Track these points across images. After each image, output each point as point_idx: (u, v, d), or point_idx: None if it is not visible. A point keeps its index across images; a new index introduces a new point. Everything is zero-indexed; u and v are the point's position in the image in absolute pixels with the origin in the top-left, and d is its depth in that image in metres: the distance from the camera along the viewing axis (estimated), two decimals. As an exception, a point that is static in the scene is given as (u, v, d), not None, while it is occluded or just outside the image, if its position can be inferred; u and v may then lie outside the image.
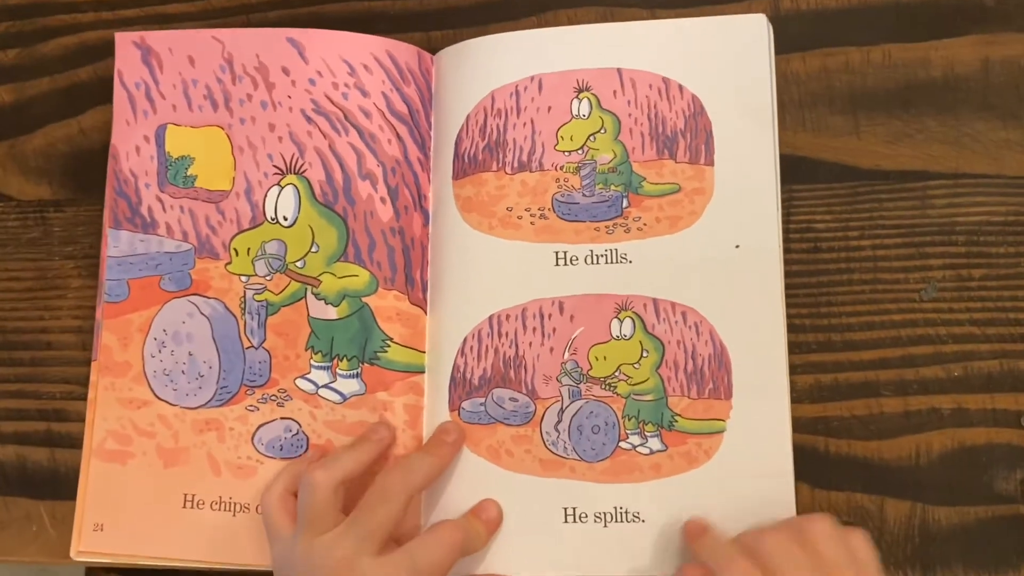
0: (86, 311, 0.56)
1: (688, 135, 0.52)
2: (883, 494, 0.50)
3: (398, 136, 0.53)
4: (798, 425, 0.50)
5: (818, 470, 0.50)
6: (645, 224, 0.51)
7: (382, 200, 0.53)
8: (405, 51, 0.54)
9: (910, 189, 0.52)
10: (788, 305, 0.50)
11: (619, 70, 0.53)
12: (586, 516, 0.49)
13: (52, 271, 0.57)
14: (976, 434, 0.50)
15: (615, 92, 0.53)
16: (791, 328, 0.51)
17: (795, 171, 0.52)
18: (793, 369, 0.50)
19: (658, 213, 0.51)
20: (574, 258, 0.51)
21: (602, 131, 0.52)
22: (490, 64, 0.54)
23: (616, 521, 0.49)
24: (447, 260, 0.53)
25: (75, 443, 0.55)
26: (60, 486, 0.55)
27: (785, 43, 0.53)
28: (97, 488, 0.53)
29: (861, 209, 0.52)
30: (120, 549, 0.53)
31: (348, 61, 0.53)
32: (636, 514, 0.49)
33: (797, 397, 0.51)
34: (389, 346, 0.52)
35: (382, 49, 0.54)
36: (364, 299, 0.52)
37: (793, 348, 0.51)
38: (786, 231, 0.52)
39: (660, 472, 0.49)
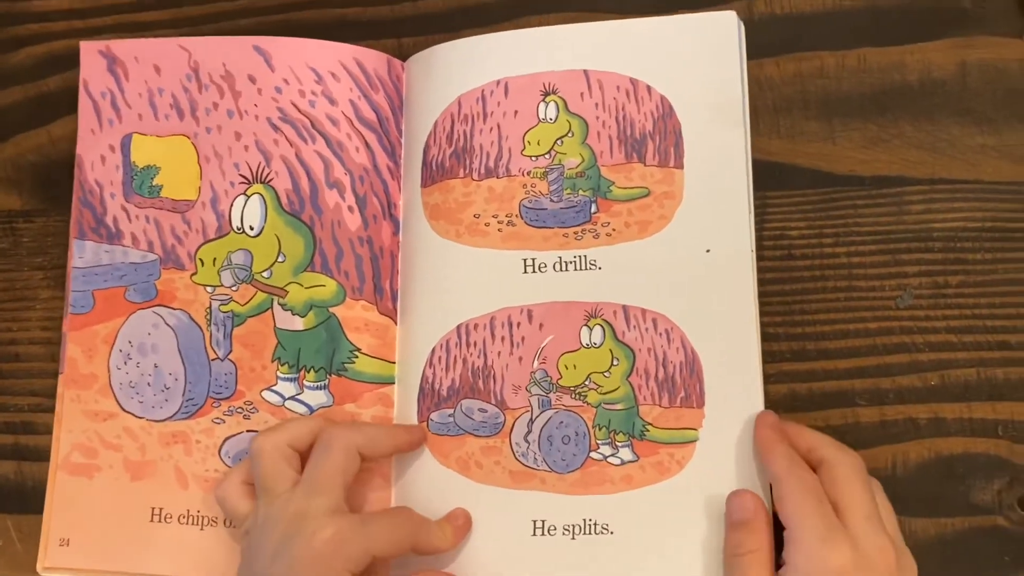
0: (55, 323, 0.57)
1: (657, 137, 0.52)
2: None
3: (366, 144, 0.54)
4: (773, 435, 0.50)
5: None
6: (614, 229, 0.52)
7: (350, 209, 0.53)
8: (374, 58, 0.55)
9: (886, 195, 0.53)
10: (761, 313, 0.51)
11: (586, 72, 0.53)
12: (554, 529, 0.50)
13: (21, 282, 0.58)
14: (953, 444, 0.50)
15: (582, 94, 0.53)
16: (764, 337, 0.51)
17: (769, 177, 0.53)
18: (767, 378, 0.51)
19: (627, 218, 0.51)
20: (542, 265, 0.52)
21: (569, 135, 0.53)
22: (457, 69, 0.54)
23: (584, 533, 0.49)
24: (416, 269, 0.53)
25: (42, 456, 0.55)
26: (27, 500, 0.56)
27: (759, 48, 0.54)
28: (63, 502, 0.54)
29: (836, 216, 0.53)
30: (86, 564, 0.53)
31: (315, 69, 0.54)
32: (605, 526, 0.49)
33: (771, 407, 0.50)
34: (357, 357, 0.53)
35: (350, 56, 0.54)
36: (331, 309, 0.53)
37: (767, 357, 0.51)
38: (759, 238, 0.52)
39: (631, 484, 0.50)
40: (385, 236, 0.54)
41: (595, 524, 0.49)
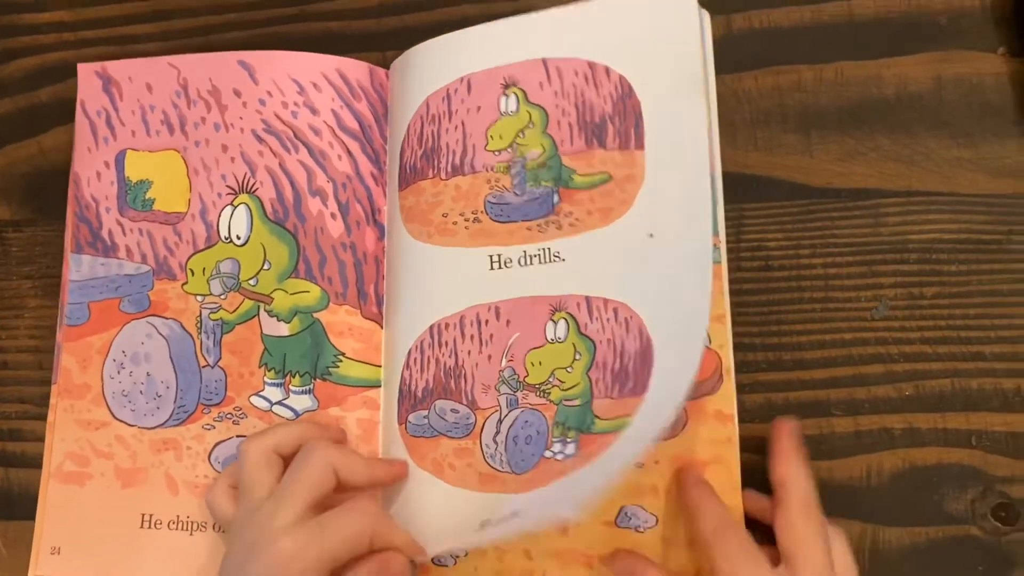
0: (43, 331, 0.60)
1: (617, 119, 0.53)
2: (833, 515, 0.52)
3: (348, 152, 0.57)
4: (748, 445, 0.53)
5: (768, 491, 0.51)
6: (577, 219, 0.53)
7: (332, 216, 0.56)
8: (356, 68, 0.58)
9: (862, 207, 0.55)
10: (738, 324, 0.54)
11: (544, 60, 0.55)
12: (490, 522, 0.51)
13: (9, 291, 0.61)
14: (927, 454, 0.53)
15: (541, 84, 0.55)
16: (741, 347, 0.54)
17: (746, 189, 0.56)
18: (742, 388, 0.53)
19: (589, 206, 0.53)
20: (508, 260, 0.54)
21: (530, 126, 0.55)
22: (426, 71, 0.57)
23: (494, 524, 0.50)
24: (396, 272, 0.56)
25: (29, 463, 0.58)
26: (13, 506, 0.59)
27: (737, 61, 0.57)
28: (55, 510, 0.57)
29: (813, 227, 0.55)
30: (77, 572, 0.56)
31: (297, 80, 0.57)
32: (516, 512, 0.50)
33: (748, 416, 0.54)
34: (341, 361, 0.55)
35: (332, 68, 0.57)
36: (315, 315, 0.56)
37: (743, 367, 0.54)
38: (737, 249, 0.55)
39: (562, 475, 0.51)
40: (369, 242, 0.56)
41: (516, 514, 0.50)
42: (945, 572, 0.52)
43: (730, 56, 0.56)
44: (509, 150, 0.55)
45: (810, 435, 0.53)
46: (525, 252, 0.53)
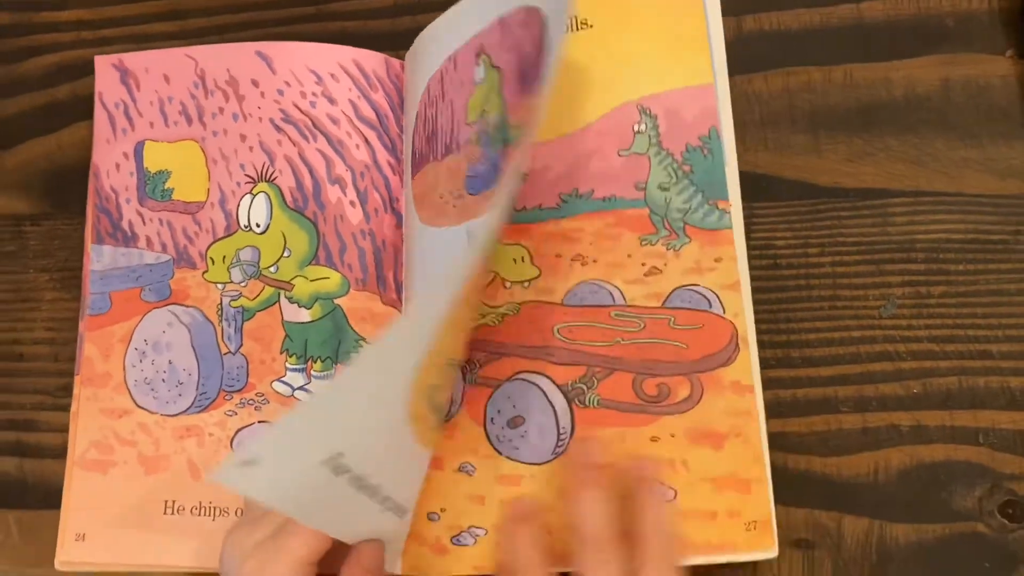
0: (60, 323, 0.61)
1: (536, 61, 0.50)
2: (841, 511, 0.54)
3: (366, 141, 0.59)
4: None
5: (777, 487, 0.52)
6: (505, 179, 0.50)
7: (351, 204, 0.58)
8: (372, 59, 0.61)
9: (870, 207, 0.56)
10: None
11: (500, 18, 0.54)
12: None
13: (27, 284, 0.62)
14: (935, 451, 0.53)
15: (500, 44, 0.54)
16: (749, 343, 0.54)
17: (756, 189, 0.57)
18: (751, 384, 0.53)
19: (512, 163, 0.49)
20: (475, 236, 0.52)
21: (493, 90, 0.54)
22: (428, 57, 0.58)
23: None
24: (411, 258, 0.58)
25: (44, 453, 0.60)
26: (28, 496, 0.60)
27: (747, 62, 0.58)
28: (79, 498, 0.58)
29: (821, 226, 0.56)
30: (102, 558, 0.57)
31: (315, 71, 0.59)
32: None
33: None
34: (362, 346, 0.56)
35: (348, 58, 0.59)
36: (336, 301, 0.57)
37: (751, 364, 0.54)
38: (746, 247, 0.54)
39: None
40: (387, 229, 0.58)
41: None
42: (952, 569, 0.52)
43: (740, 57, 0.57)
44: (480, 119, 0.54)
45: (818, 432, 0.54)
46: (483, 224, 0.50)
